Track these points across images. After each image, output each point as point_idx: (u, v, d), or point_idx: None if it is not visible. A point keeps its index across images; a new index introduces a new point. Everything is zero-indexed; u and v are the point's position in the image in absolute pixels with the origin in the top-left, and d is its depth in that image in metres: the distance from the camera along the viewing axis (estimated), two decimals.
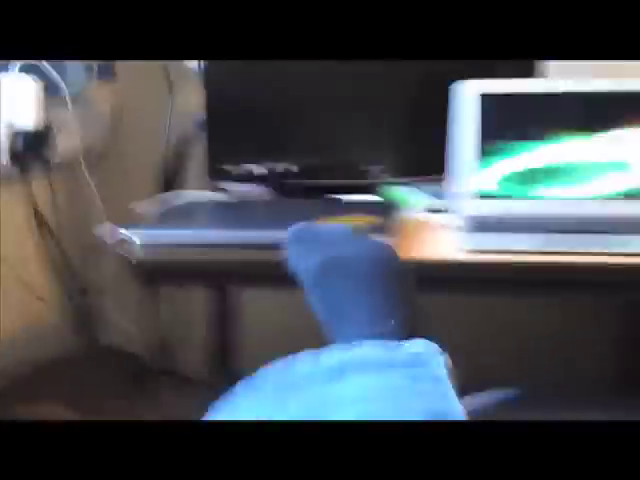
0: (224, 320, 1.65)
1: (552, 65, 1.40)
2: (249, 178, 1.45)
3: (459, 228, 1.21)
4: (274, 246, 1.01)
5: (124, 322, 1.63)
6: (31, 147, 1.45)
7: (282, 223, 0.97)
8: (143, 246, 1.11)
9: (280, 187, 1.46)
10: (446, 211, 1.31)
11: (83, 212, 1.63)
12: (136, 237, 1.11)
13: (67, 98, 1.50)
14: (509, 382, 1.32)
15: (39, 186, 1.55)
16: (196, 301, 1.69)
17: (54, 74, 1.50)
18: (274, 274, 1.07)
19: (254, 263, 1.10)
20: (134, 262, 1.10)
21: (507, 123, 1.30)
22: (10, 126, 1.44)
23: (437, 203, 1.35)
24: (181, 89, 1.65)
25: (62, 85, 1.51)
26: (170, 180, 1.58)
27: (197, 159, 1.56)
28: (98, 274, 1.49)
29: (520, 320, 1.70)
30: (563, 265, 1.07)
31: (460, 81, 1.30)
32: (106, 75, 1.68)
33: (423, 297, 1.04)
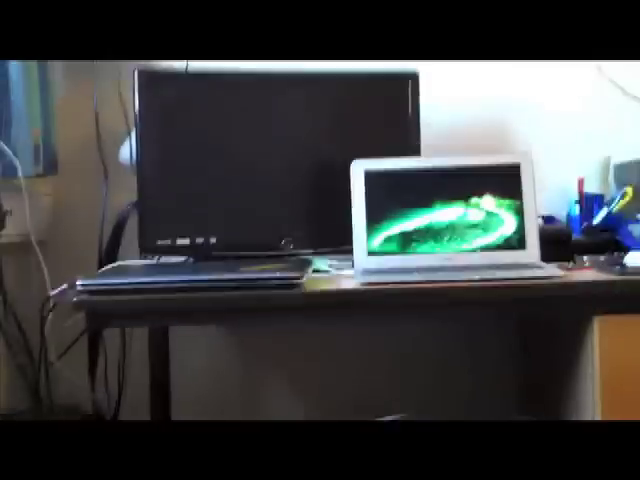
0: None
1: (423, 146, 1.73)
2: (175, 250, 1.70)
3: (354, 275, 1.49)
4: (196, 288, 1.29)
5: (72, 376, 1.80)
6: None
7: (201, 271, 1.25)
8: (86, 292, 1.34)
9: (202, 258, 1.70)
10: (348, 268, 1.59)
11: (29, 286, 1.84)
12: (80, 285, 1.34)
13: (22, 180, 1.70)
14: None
15: None
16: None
17: (10, 155, 1.68)
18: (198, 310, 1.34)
19: (180, 302, 1.35)
20: (75, 305, 1.32)
21: (387, 195, 1.60)
22: None
23: (341, 264, 1.63)
24: (116, 179, 1.91)
25: (18, 166, 1.69)
26: (107, 256, 1.81)
27: (129, 237, 1.82)
28: (49, 335, 1.67)
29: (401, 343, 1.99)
30: (434, 289, 1.38)
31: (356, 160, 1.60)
32: (50, 170, 1.92)
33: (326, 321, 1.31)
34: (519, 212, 1.58)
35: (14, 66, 1.76)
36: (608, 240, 1.71)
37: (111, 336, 1.84)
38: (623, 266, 1.48)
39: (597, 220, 1.74)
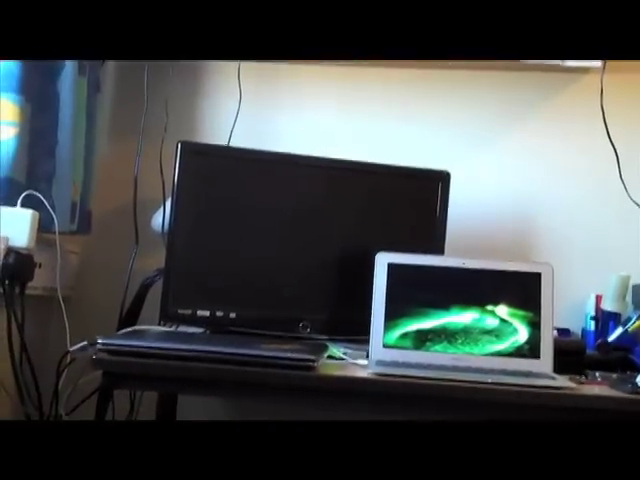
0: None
1: (448, 244, 1.77)
2: (194, 321, 1.73)
3: (368, 365, 1.51)
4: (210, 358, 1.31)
5: None
6: (19, 266, 1.63)
7: (218, 343, 1.28)
8: (106, 351, 1.37)
9: (219, 331, 1.73)
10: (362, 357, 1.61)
11: (48, 340, 1.87)
12: (101, 344, 1.37)
13: (57, 234, 1.75)
14: None
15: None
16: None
17: (49, 209, 1.73)
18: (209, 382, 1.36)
19: (193, 372, 1.37)
20: (95, 362, 1.35)
21: (408, 290, 1.63)
22: (6, 241, 1.62)
23: (355, 353, 1.65)
24: (145, 244, 1.96)
25: (55, 222, 1.74)
26: (128, 319, 1.84)
27: (150, 303, 1.85)
28: (62, 389, 1.69)
29: None
30: (445, 386, 1.39)
31: (381, 253, 1.63)
32: (84, 229, 1.97)
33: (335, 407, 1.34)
34: (535, 322, 1.61)
35: (64, 121, 1.83)
36: (621, 358, 1.73)
37: (120, 398, 1.85)
38: (635, 385, 1.48)
39: (612, 337, 1.76)
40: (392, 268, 1.63)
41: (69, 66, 1.83)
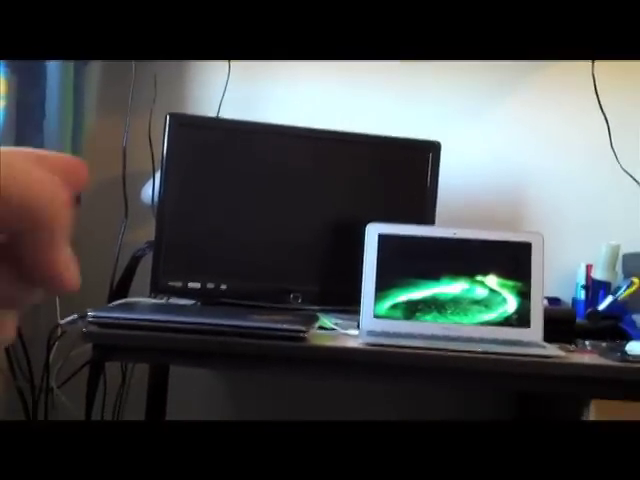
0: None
1: (439, 214, 1.77)
2: (185, 293, 1.73)
3: (358, 335, 1.51)
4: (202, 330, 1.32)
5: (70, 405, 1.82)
6: None
7: (209, 315, 1.29)
8: (96, 324, 1.37)
9: (210, 303, 1.73)
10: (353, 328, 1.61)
11: (39, 313, 1.87)
12: (91, 316, 1.37)
13: None
14: None
15: None
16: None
17: None
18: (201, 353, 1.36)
19: (184, 344, 1.37)
20: (85, 335, 1.34)
21: (398, 261, 1.63)
22: None
23: (346, 323, 1.65)
24: (135, 217, 1.95)
25: None
26: (118, 291, 1.84)
27: (140, 275, 1.85)
28: (53, 362, 1.69)
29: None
30: (435, 356, 1.39)
31: (371, 223, 1.63)
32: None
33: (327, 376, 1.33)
34: (525, 291, 1.61)
35: (51, 94, 1.81)
36: (611, 327, 1.74)
37: (111, 370, 1.86)
38: (624, 353, 1.49)
39: (602, 306, 1.77)
40: (382, 238, 1.63)
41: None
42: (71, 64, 1.91)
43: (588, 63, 2.03)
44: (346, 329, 1.60)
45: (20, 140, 1.74)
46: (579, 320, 1.75)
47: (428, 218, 1.80)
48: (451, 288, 1.62)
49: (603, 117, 2.03)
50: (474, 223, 1.96)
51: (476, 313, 1.61)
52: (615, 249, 1.94)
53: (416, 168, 1.83)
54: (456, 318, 1.60)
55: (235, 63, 2.11)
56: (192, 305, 1.74)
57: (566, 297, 1.98)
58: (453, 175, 2.03)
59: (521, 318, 1.60)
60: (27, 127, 1.77)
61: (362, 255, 1.61)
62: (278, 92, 2.15)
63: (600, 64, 2.03)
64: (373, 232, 1.63)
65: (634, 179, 2.04)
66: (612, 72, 2.09)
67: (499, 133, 2.14)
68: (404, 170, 1.83)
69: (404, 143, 1.84)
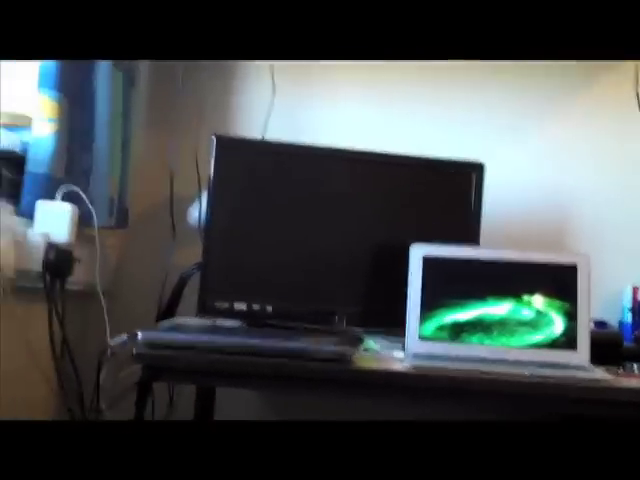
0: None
1: (483, 235, 1.77)
2: (231, 314, 1.75)
3: (403, 358, 1.52)
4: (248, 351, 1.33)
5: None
6: (60, 261, 1.65)
7: (256, 336, 1.31)
8: (146, 345, 1.39)
9: (256, 324, 1.75)
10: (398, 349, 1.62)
11: (89, 334, 1.90)
12: (141, 338, 1.39)
13: (96, 230, 1.78)
14: None
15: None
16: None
17: (88, 204, 1.74)
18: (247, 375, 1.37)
19: (232, 365, 1.39)
20: (135, 356, 1.37)
21: (443, 282, 1.63)
22: (46, 237, 1.64)
23: (391, 345, 1.66)
24: (183, 238, 1.98)
25: (94, 217, 1.76)
26: (166, 313, 1.87)
27: (187, 297, 1.87)
28: (103, 383, 1.72)
29: None
30: (482, 380, 1.40)
31: (416, 244, 1.63)
32: (121, 223, 2.00)
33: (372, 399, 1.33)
34: (571, 313, 1.60)
35: (100, 116, 1.85)
36: None
37: (159, 392, 1.88)
38: None
39: None
40: (427, 259, 1.63)
41: (105, 61, 1.85)
42: (120, 87, 1.94)
43: (632, 81, 2.02)
44: (391, 351, 1.60)
45: (70, 162, 1.78)
46: (626, 343, 1.73)
47: (472, 239, 1.80)
48: (497, 309, 1.61)
49: None
50: (519, 244, 1.97)
51: (523, 335, 1.60)
52: None
53: (459, 189, 1.83)
54: (503, 339, 1.60)
55: (279, 84, 2.13)
56: (238, 326, 1.75)
57: (613, 320, 1.96)
58: (497, 195, 2.03)
59: (568, 340, 1.59)
60: (77, 149, 1.80)
61: (406, 276, 1.62)
62: (321, 114, 2.17)
63: None
64: (418, 253, 1.64)
65: None
66: None
67: (543, 153, 2.14)
68: (447, 191, 1.83)
69: (447, 164, 1.84)
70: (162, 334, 1.43)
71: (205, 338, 1.42)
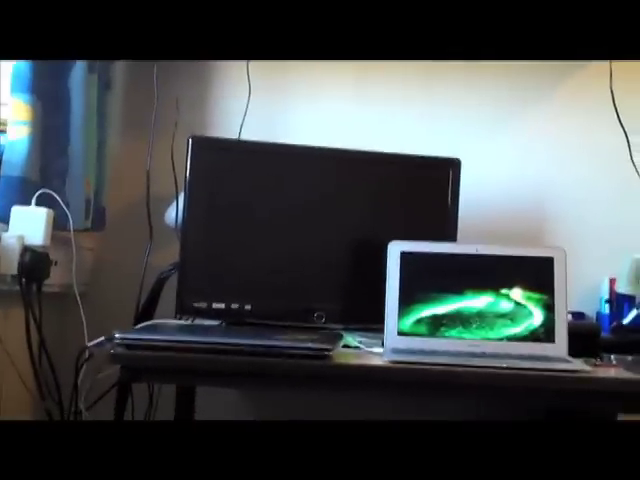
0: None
1: (464, 230, 1.78)
2: (209, 314, 1.75)
3: (383, 353, 1.52)
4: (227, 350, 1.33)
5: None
6: (36, 264, 1.64)
7: (234, 335, 1.32)
8: (123, 346, 1.38)
9: (235, 323, 1.75)
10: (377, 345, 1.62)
11: (67, 336, 1.88)
12: (118, 338, 1.38)
13: (72, 232, 1.76)
14: None
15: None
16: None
17: (64, 207, 1.73)
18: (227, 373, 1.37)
19: (210, 364, 1.38)
20: (113, 357, 1.36)
21: (421, 277, 1.64)
22: (22, 240, 1.63)
23: (370, 341, 1.66)
24: (160, 239, 1.98)
25: (70, 219, 1.74)
26: (144, 314, 1.86)
27: (166, 297, 1.87)
28: (82, 384, 1.71)
29: None
30: (461, 373, 1.40)
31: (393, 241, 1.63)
32: (98, 226, 1.99)
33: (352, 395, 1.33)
34: (549, 306, 1.61)
35: (75, 119, 1.84)
36: (637, 340, 1.73)
37: (139, 392, 1.87)
38: None
39: (627, 320, 1.76)
40: (404, 256, 1.64)
41: (79, 64, 1.84)
42: (95, 90, 1.94)
43: (606, 77, 2.04)
44: (370, 347, 1.60)
45: (45, 165, 1.77)
46: (604, 334, 1.75)
47: (450, 235, 1.80)
48: (476, 302, 1.62)
49: (622, 129, 2.04)
50: (496, 237, 1.97)
51: (501, 327, 1.61)
52: (638, 262, 1.93)
53: (436, 185, 1.83)
54: (482, 332, 1.60)
55: (255, 85, 2.13)
56: (217, 325, 1.75)
57: (590, 311, 1.98)
58: (473, 191, 2.04)
59: (546, 332, 1.60)
60: (52, 152, 1.79)
61: (384, 273, 1.62)
62: (297, 113, 2.17)
63: (618, 78, 2.04)
64: (395, 250, 1.64)
65: None
66: (630, 85, 2.10)
67: (518, 148, 2.15)
68: (424, 188, 1.84)
69: (423, 161, 1.85)
70: (139, 334, 1.43)
71: (182, 337, 1.42)
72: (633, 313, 1.77)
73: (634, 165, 2.03)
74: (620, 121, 2.03)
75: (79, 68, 1.84)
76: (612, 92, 2.04)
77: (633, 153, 2.04)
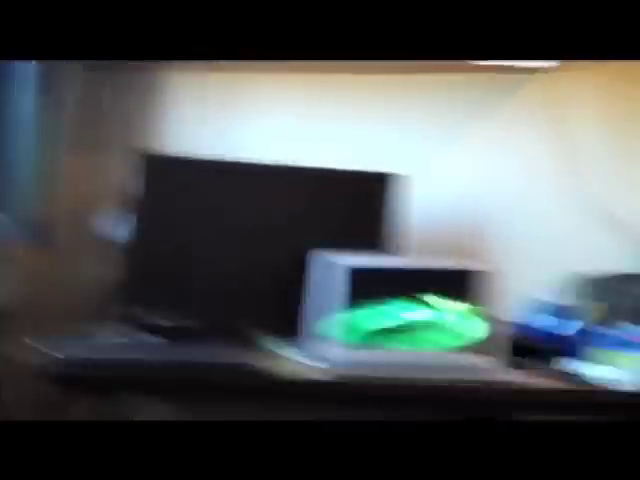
0: None
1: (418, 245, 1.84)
2: (146, 330, 1.76)
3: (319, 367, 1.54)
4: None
5: None
6: None
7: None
8: (60, 364, 1.39)
9: (174, 339, 1.74)
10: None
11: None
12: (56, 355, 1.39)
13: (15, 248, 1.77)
14: None
15: None
16: None
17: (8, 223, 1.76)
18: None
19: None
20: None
21: (365, 290, 1.66)
22: None
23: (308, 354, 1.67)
24: (103, 257, 1.98)
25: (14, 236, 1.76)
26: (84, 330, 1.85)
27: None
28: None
29: None
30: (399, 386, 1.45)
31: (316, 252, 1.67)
32: (44, 242, 1.98)
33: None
34: (483, 317, 1.64)
35: (21, 133, 1.83)
36: (567, 350, 1.76)
37: None
38: (582, 376, 1.52)
39: (562, 331, 1.79)
40: (348, 269, 1.65)
41: (27, 77, 1.83)
42: (41, 102, 1.92)
43: (546, 93, 2.08)
44: (307, 360, 1.61)
45: None
46: (539, 344, 1.78)
47: (384, 248, 1.84)
48: (414, 315, 1.65)
49: (562, 146, 2.08)
50: (441, 253, 1.99)
51: (439, 339, 1.63)
52: (573, 275, 1.97)
53: (372, 200, 1.87)
54: (420, 344, 1.63)
55: (210, 98, 2.13)
56: (154, 342, 1.75)
57: (526, 321, 2.01)
58: (425, 207, 2.05)
59: (481, 344, 1.63)
60: None
61: (324, 287, 1.64)
62: (249, 127, 2.17)
63: (557, 94, 2.08)
64: (339, 263, 1.65)
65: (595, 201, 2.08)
66: (570, 101, 2.14)
67: (472, 163, 2.17)
68: (354, 202, 1.88)
69: (351, 175, 1.89)
70: (75, 352, 1.44)
71: (113, 355, 1.43)
72: (569, 324, 1.80)
73: (572, 182, 2.08)
74: (559, 137, 2.07)
75: (23, 81, 1.83)
76: (551, 108, 2.08)
77: (572, 170, 2.08)
